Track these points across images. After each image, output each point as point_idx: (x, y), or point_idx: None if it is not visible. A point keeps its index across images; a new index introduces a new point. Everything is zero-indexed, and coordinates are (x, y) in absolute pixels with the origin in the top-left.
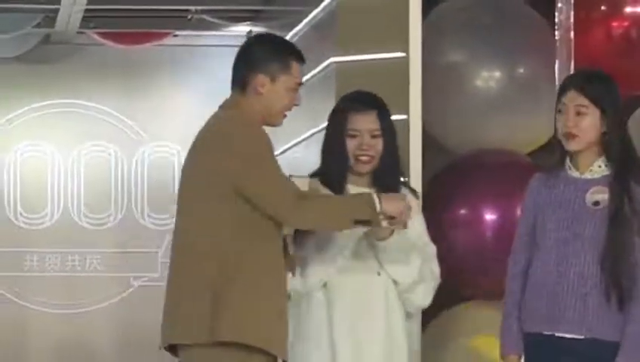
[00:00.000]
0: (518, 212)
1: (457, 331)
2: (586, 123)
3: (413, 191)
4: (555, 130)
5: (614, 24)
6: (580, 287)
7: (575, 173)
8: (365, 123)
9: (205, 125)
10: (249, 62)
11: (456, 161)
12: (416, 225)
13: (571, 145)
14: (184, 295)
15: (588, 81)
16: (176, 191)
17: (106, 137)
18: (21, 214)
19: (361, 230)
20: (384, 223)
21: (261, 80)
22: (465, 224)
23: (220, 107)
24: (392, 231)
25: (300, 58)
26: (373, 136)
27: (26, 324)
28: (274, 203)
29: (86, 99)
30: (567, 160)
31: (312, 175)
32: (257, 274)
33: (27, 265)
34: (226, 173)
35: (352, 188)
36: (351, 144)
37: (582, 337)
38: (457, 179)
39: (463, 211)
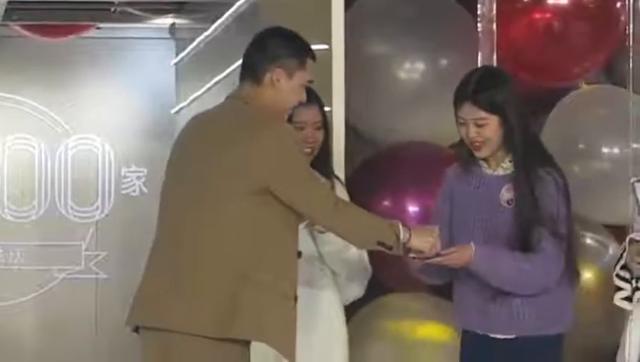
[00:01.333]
0: None
1: (381, 321)
2: (488, 132)
3: (340, 180)
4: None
5: (537, 16)
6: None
7: (488, 170)
8: (310, 115)
9: (218, 116)
10: (268, 54)
11: (378, 153)
12: None
13: (480, 154)
14: (199, 287)
15: (479, 90)
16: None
17: (29, 130)
18: None
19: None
20: (411, 255)
21: (279, 74)
22: (388, 216)
23: (233, 98)
24: None
25: (313, 56)
26: (317, 128)
27: None
28: (313, 205)
29: (9, 92)
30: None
31: None
32: (276, 276)
33: None
34: (256, 170)
35: None
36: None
37: (512, 337)
38: (380, 171)
39: (385, 203)
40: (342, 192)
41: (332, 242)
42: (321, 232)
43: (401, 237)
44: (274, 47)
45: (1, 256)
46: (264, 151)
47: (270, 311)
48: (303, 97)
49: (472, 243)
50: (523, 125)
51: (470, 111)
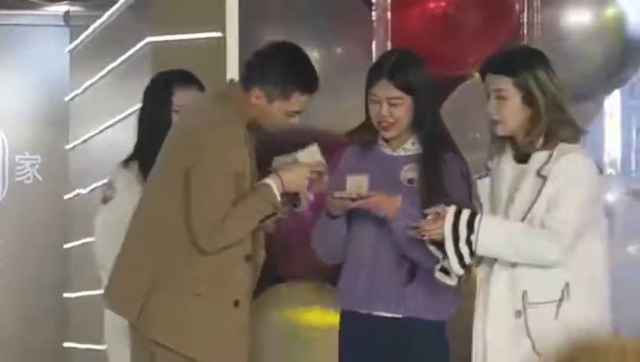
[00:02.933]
0: None
1: (272, 308)
2: (400, 112)
3: None
4: (368, 115)
5: (431, 5)
6: (396, 266)
7: (388, 150)
8: (192, 99)
9: (194, 109)
10: (260, 71)
11: (272, 142)
12: None
13: (388, 134)
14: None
15: (397, 68)
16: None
17: None
18: None
19: None
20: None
21: (257, 94)
22: None
23: (215, 95)
24: None
25: (306, 90)
26: None
27: None
28: (197, 220)
29: None
30: (380, 138)
31: (131, 157)
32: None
33: None
34: (183, 156)
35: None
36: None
37: (399, 316)
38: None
39: None
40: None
41: None
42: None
43: (276, 193)
44: (266, 67)
45: None
46: (196, 143)
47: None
48: (288, 123)
49: (398, 197)
50: (433, 108)
51: (385, 89)
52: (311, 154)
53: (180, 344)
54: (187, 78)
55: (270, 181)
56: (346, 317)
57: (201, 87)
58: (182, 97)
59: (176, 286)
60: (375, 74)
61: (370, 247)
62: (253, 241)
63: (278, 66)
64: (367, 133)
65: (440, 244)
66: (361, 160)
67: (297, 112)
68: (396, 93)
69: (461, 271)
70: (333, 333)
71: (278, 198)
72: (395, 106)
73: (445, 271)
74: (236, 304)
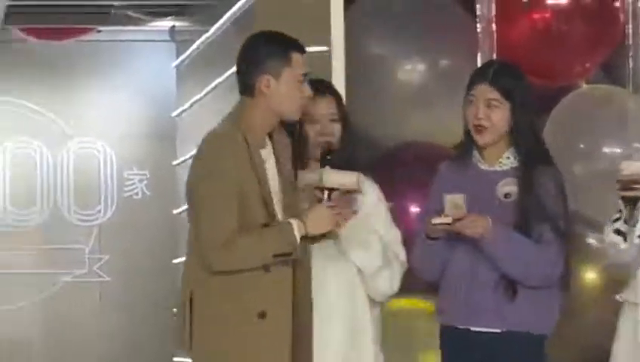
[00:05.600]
0: None
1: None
2: (496, 116)
3: (369, 178)
4: (465, 121)
5: (535, 15)
6: (495, 281)
7: (484, 166)
8: (324, 107)
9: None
10: (250, 64)
11: (379, 155)
12: (379, 210)
13: (481, 139)
14: None
15: (499, 73)
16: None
17: (30, 133)
18: None
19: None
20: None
21: (266, 80)
22: (393, 217)
23: (225, 118)
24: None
25: (300, 48)
26: (332, 120)
27: None
28: (201, 239)
29: (10, 96)
30: (476, 152)
31: None
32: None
33: None
34: (188, 188)
35: (303, 173)
36: (312, 130)
37: (498, 331)
38: (381, 173)
39: (389, 204)
40: (371, 188)
41: (351, 237)
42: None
43: (296, 234)
44: (253, 54)
45: (5, 260)
46: (189, 173)
47: None
48: (306, 92)
49: (487, 217)
50: (531, 121)
51: (486, 90)
52: (337, 177)
53: None
54: (320, 88)
55: (293, 221)
56: (445, 333)
57: (335, 93)
58: (317, 107)
59: (204, 312)
60: (477, 77)
61: (468, 262)
62: None
63: (263, 45)
64: (463, 146)
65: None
66: (456, 176)
67: (305, 75)
68: (495, 95)
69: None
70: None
71: (297, 240)
72: (492, 109)
73: (620, 232)
74: (262, 316)
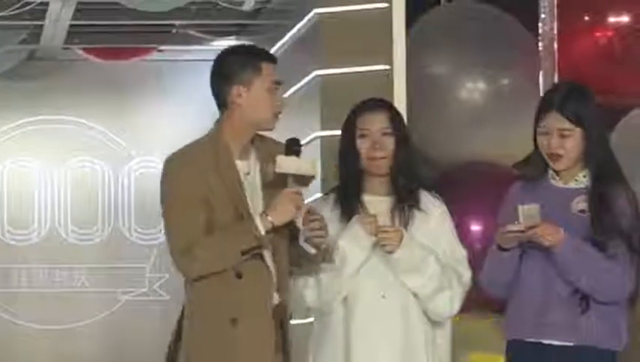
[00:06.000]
0: None
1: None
2: (570, 144)
3: (434, 194)
4: (536, 145)
5: (598, 34)
6: (568, 294)
7: (559, 183)
8: (375, 122)
9: None
10: (222, 78)
11: (442, 175)
12: (443, 229)
13: (557, 166)
14: None
15: (567, 100)
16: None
17: (92, 153)
18: (8, 231)
19: (365, 245)
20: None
21: (237, 91)
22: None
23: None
24: (400, 242)
25: (270, 58)
26: (384, 135)
27: (13, 340)
28: (169, 245)
29: (72, 115)
30: (550, 170)
31: (331, 190)
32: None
33: (15, 281)
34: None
35: (370, 199)
36: (363, 144)
37: (571, 344)
38: (442, 191)
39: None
40: (437, 206)
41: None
42: (389, 252)
43: (259, 226)
44: (225, 68)
45: (66, 278)
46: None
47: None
48: (276, 101)
49: (560, 228)
50: (603, 140)
51: (556, 121)
52: (292, 163)
53: None
54: (372, 103)
55: (256, 215)
56: (515, 347)
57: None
58: (367, 121)
59: (185, 322)
60: (545, 106)
61: (541, 275)
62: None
63: (233, 58)
64: (536, 167)
65: None
66: (529, 194)
67: (278, 83)
68: (567, 124)
69: None
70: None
71: (262, 231)
72: (565, 138)
73: None
74: (233, 322)
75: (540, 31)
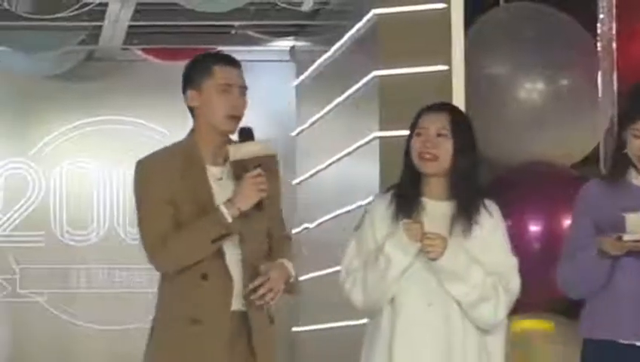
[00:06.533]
0: (565, 223)
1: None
2: None
3: (487, 202)
4: (619, 146)
5: None
6: None
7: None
8: (433, 122)
9: None
10: (183, 84)
11: (500, 175)
12: (495, 237)
13: None
14: None
15: None
16: None
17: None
18: (67, 231)
19: (410, 250)
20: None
21: (191, 95)
22: (511, 236)
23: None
24: (444, 250)
25: (222, 60)
26: (440, 135)
27: (72, 341)
28: (143, 247)
29: (131, 116)
30: (632, 169)
31: (389, 188)
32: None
33: (74, 282)
34: None
35: (428, 202)
36: (416, 142)
37: None
38: (502, 192)
39: (509, 223)
40: (491, 214)
41: (448, 269)
42: (433, 259)
43: (225, 214)
44: (184, 75)
45: (125, 278)
46: None
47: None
48: (230, 103)
49: None
50: None
51: None
52: (247, 148)
53: None
54: (434, 104)
55: (221, 204)
56: (599, 347)
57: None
58: (425, 120)
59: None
60: (633, 111)
61: (636, 276)
62: (208, 260)
63: (191, 64)
64: (620, 167)
65: None
66: (607, 194)
67: (229, 85)
68: None
69: None
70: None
71: (229, 219)
72: None
73: None
74: (195, 322)
75: (599, 31)
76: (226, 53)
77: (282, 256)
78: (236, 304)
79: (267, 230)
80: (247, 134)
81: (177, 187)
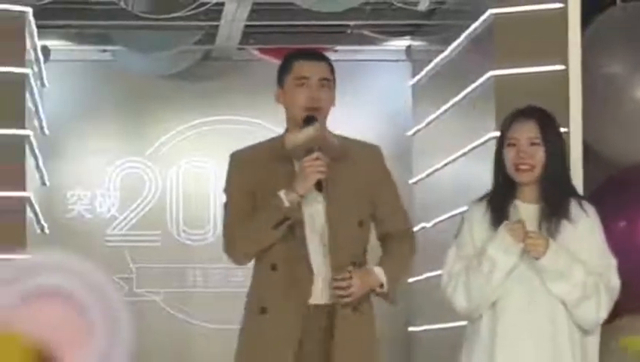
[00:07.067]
0: None
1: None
2: None
3: (584, 203)
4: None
5: None
6: None
7: None
8: (524, 131)
9: None
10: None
11: (616, 174)
12: (592, 240)
13: None
14: None
15: None
16: None
17: None
18: (184, 231)
19: (514, 251)
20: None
21: (278, 93)
22: (626, 236)
23: None
24: (546, 249)
25: (301, 55)
26: (532, 144)
27: (189, 340)
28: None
29: (247, 116)
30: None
31: (484, 195)
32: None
33: (191, 281)
34: None
35: (520, 205)
36: (509, 153)
37: None
38: (618, 192)
39: (623, 224)
40: (587, 214)
41: (551, 268)
42: (536, 258)
43: (283, 198)
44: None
45: (241, 277)
46: None
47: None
48: (310, 92)
49: None
50: None
51: None
52: (314, 128)
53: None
54: (523, 111)
55: (280, 191)
56: None
57: (544, 118)
58: (516, 130)
59: None
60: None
61: None
62: (281, 251)
63: (279, 65)
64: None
65: None
66: None
67: (304, 78)
68: None
69: None
70: None
71: (286, 203)
72: None
73: None
74: (263, 311)
75: None
76: (313, 49)
77: (388, 255)
78: (318, 297)
79: (366, 219)
80: (308, 122)
81: (261, 179)
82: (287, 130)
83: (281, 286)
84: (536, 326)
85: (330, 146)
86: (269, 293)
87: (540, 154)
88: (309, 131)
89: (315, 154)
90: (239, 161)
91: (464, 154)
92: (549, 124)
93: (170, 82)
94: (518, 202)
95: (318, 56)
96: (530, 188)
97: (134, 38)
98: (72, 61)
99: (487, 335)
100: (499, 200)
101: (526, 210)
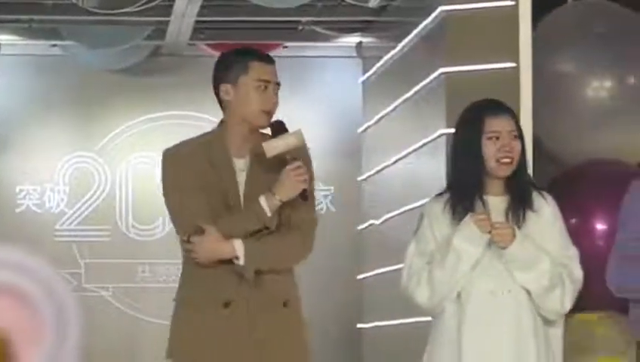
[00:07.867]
0: None
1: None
2: None
3: (543, 193)
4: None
5: None
6: None
7: None
8: (505, 125)
9: None
10: (214, 78)
11: (566, 171)
12: (555, 229)
13: None
14: None
15: None
16: None
17: None
18: (133, 226)
19: (479, 242)
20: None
21: (225, 88)
22: (575, 234)
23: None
24: (513, 238)
25: (258, 57)
26: (513, 138)
27: (138, 335)
28: (180, 237)
29: (197, 111)
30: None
31: (445, 190)
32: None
33: (139, 276)
34: None
35: (487, 197)
36: (490, 146)
37: None
38: (568, 190)
39: (573, 221)
40: (549, 205)
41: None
42: (503, 248)
43: (265, 208)
44: (217, 69)
45: (172, 273)
46: None
47: None
48: (265, 99)
49: None
50: None
51: None
52: (296, 137)
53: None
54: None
55: (261, 197)
56: None
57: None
58: (497, 123)
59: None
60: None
61: None
62: None
63: (225, 58)
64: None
65: None
66: None
67: (266, 81)
68: None
69: None
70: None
71: (267, 213)
72: None
73: None
74: (226, 305)
75: None
76: (261, 48)
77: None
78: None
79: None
80: (279, 127)
81: (208, 175)
82: (221, 125)
83: (230, 282)
84: (501, 315)
85: (303, 152)
86: (230, 286)
87: (518, 148)
88: (289, 139)
89: (297, 163)
90: (181, 159)
91: (414, 151)
92: (517, 119)
93: (121, 77)
94: (485, 197)
95: (272, 59)
96: (498, 181)
97: (85, 33)
98: (22, 55)
99: (453, 326)
100: (465, 194)
101: (493, 201)
